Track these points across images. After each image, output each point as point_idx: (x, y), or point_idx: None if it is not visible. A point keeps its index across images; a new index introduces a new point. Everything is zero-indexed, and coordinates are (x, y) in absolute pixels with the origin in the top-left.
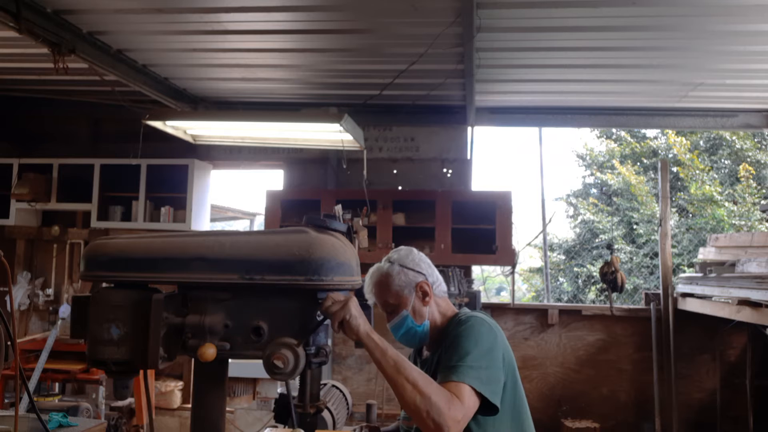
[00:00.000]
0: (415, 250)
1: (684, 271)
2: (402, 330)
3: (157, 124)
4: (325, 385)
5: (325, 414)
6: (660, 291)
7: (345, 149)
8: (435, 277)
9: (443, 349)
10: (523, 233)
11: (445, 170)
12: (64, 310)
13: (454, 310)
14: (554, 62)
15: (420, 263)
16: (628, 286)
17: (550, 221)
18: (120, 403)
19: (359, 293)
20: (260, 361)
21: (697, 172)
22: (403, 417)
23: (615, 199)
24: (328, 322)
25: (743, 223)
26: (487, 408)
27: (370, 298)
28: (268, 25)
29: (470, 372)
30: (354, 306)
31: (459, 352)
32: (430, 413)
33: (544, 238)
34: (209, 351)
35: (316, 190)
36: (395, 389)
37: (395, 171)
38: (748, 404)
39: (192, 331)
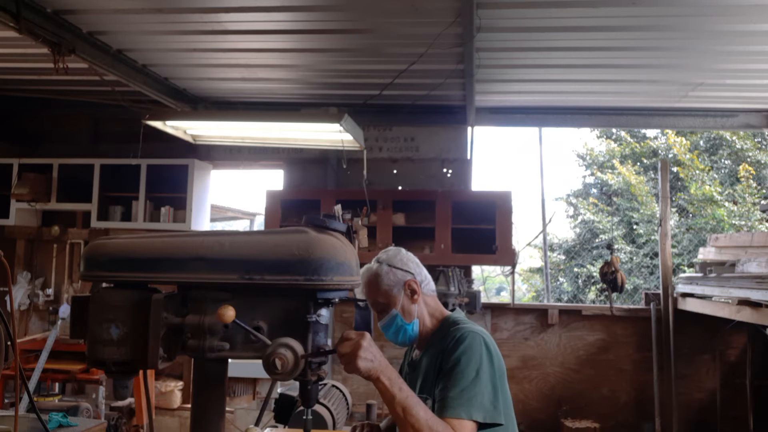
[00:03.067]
0: (403, 250)
1: (684, 271)
2: (392, 328)
3: (157, 124)
4: (325, 385)
5: (325, 414)
6: (660, 291)
7: (345, 149)
8: (423, 275)
9: (441, 362)
10: (523, 233)
11: (445, 170)
12: (64, 310)
13: (443, 311)
14: (554, 62)
15: (408, 263)
16: (628, 286)
17: (550, 221)
18: (120, 403)
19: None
20: (260, 361)
21: (697, 172)
22: None
23: (615, 199)
24: (328, 322)
25: (743, 223)
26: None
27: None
28: (268, 25)
29: (473, 402)
30: (366, 344)
31: (460, 381)
32: None
33: (544, 238)
34: (229, 312)
35: (316, 190)
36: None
37: (395, 171)
38: (748, 404)
39: (192, 331)
